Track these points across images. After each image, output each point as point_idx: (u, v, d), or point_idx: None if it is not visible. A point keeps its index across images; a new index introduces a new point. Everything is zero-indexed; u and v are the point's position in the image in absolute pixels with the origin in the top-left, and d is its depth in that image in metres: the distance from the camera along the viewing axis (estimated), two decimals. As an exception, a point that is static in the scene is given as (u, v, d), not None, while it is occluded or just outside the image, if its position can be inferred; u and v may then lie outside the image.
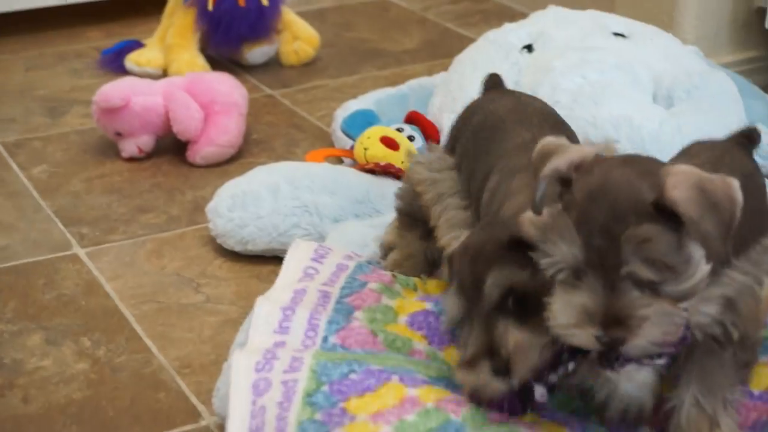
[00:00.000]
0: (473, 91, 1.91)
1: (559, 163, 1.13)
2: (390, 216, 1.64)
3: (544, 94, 1.81)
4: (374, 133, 1.89)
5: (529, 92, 1.85)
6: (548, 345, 1.17)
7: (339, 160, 1.96)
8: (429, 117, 1.97)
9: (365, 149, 1.87)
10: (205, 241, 1.81)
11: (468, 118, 1.51)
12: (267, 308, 1.41)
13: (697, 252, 1.09)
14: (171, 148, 2.12)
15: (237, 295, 1.66)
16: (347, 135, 1.97)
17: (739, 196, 1.08)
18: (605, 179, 1.09)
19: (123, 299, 1.66)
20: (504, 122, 1.45)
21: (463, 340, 1.24)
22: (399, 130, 1.90)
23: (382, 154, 1.85)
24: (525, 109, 1.48)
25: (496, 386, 1.19)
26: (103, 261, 1.76)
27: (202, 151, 2.06)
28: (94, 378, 1.48)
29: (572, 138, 1.43)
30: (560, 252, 1.11)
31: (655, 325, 1.08)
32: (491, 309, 1.20)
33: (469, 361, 1.21)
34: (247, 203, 1.74)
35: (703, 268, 1.09)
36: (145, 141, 2.09)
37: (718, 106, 1.80)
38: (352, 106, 2.10)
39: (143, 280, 1.71)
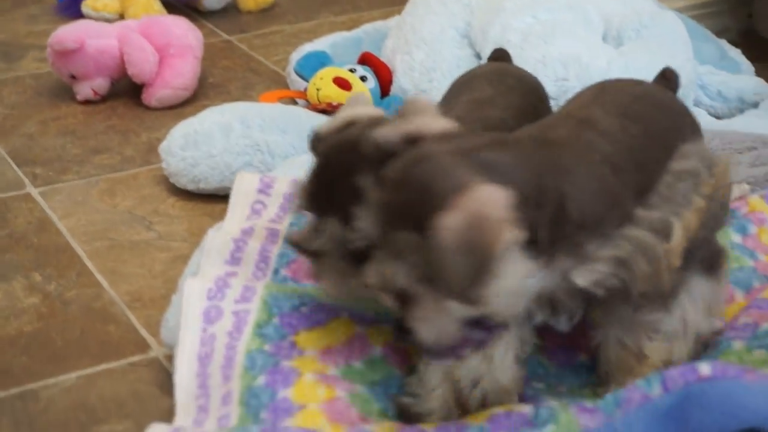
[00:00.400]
0: (426, 32, 1.93)
1: (391, 132, 1.09)
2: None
3: (495, 34, 1.83)
4: (327, 73, 1.90)
5: (480, 33, 1.87)
6: None
7: (293, 101, 1.97)
8: (382, 58, 1.98)
9: (318, 90, 1.88)
10: (159, 180, 1.82)
11: (455, 79, 1.52)
12: (219, 240, 1.42)
13: (513, 266, 1.04)
14: (126, 91, 2.12)
15: (189, 232, 1.68)
16: (300, 76, 1.98)
17: (503, 244, 1.00)
18: (407, 173, 1.04)
19: (75, 236, 1.67)
20: (475, 79, 1.45)
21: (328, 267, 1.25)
22: (352, 70, 1.92)
23: (335, 94, 1.87)
24: (504, 71, 1.46)
25: None
26: (56, 200, 1.77)
27: (157, 94, 2.06)
28: (44, 311, 1.49)
29: (541, 109, 1.40)
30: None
31: (426, 327, 1.06)
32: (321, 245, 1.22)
33: None
34: (200, 142, 1.75)
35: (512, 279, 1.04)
36: (100, 84, 2.09)
37: (667, 46, 1.82)
38: (307, 49, 2.11)
39: (95, 218, 1.72)
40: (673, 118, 1.25)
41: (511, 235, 1.00)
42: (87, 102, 2.09)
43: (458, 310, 1.05)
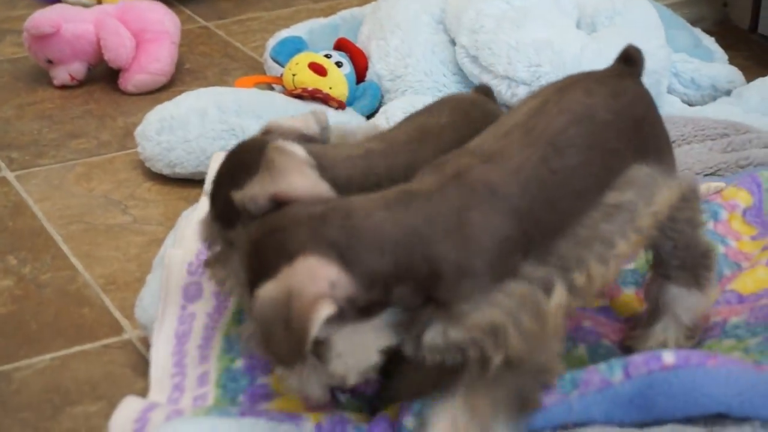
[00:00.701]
0: (401, 18, 1.94)
1: (259, 193, 1.04)
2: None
3: (469, 20, 1.83)
4: (302, 59, 1.90)
5: (454, 18, 1.88)
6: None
7: (269, 87, 1.98)
8: (358, 45, 1.99)
9: (293, 75, 1.89)
10: (135, 165, 1.83)
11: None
12: (195, 220, 1.43)
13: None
14: (104, 76, 2.13)
15: (164, 216, 1.68)
16: (276, 62, 1.98)
17: (316, 321, 0.96)
18: (259, 239, 1.01)
19: (50, 220, 1.67)
20: (443, 104, 1.33)
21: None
22: (327, 56, 1.92)
23: (310, 80, 1.87)
24: (460, 99, 1.36)
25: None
26: (32, 184, 1.77)
27: (133, 79, 2.07)
28: (18, 294, 1.50)
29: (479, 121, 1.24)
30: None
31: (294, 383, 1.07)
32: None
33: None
34: (175, 127, 1.76)
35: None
36: (77, 68, 2.09)
37: (639, 32, 1.83)
38: (284, 35, 2.11)
39: (71, 202, 1.72)
40: (618, 139, 1.14)
41: (325, 311, 0.96)
42: (64, 87, 2.09)
43: (315, 374, 1.04)
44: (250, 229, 1.04)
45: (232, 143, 1.73)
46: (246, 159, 1.16)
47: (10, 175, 1.80)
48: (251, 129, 1.75)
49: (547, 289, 1.05)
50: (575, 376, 1.11)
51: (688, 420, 1.11)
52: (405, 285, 1.00)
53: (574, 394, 1.10)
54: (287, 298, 0.96)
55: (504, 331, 1.01)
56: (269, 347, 0.98)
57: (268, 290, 0.97)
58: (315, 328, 0.96)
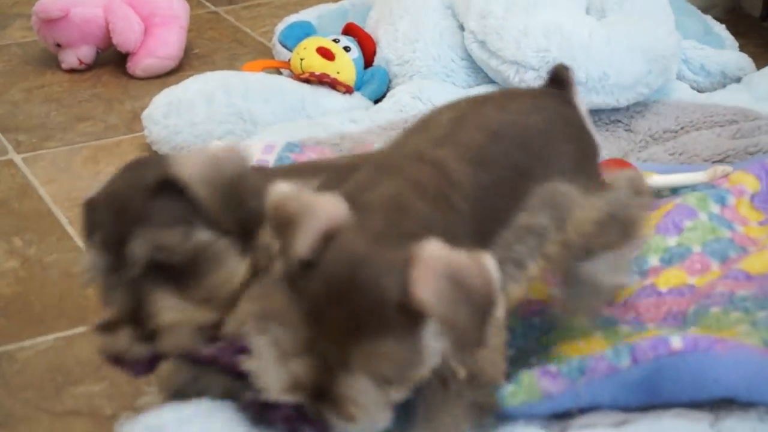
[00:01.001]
0: (409, 2, 1.94)
1: (304, 244, 0.92)
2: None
3: (478, 5, 1.83)
4: (310, 43, 1.90)
5: (462, 3, 1.87)
6: (206, 324, 1.05)
7: (277, 72, 1.97)
8: (367, 29, 1.98)
9: (301, 59, 1.88)
10: (142, 149, 1.82)
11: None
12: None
13: (435, 343, 0.94)
14: (112, 60, 2.13)
15: (170, 200, 1.68)
16: (284, 46, 1.98)
17: (494, 274, 0.92)
18: (348, 274, 0.91)
19: (57, 202, 1.67)
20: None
21: (106, 296, 1.07)
22: (335, 41, 1.91)
23: (318, 64, 1.87)
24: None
25: (139, 351, 1.04)
26: (39, 166, 1.77)
27: (141, 63, 2.06)
28: (23, 275, 1.49)
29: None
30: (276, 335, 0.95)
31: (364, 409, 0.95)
32: (138, 272, 1.03)
33: (108, 324, 1.05)
34: (182, 110, 1.75)
35: (434, 357, 0.95)
36: (85, 52, 2.09)
37: (648, 18, 1.82)
38: (293, 20, 2.10)
39: (78, 185, 1.72)
40: (528, 157, 1.12)
41: (496, 273, 0.92)
42: (72, 70, 2.09)
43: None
44: (314, 274, 0.92)
45: (238, 127, 1.75)
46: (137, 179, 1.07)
47: (17, 158, 1.80)
48: (258, 113, 1.75)
49: None
50: (582, 363, 1.11)
51: (694, 405, 1.10)
52: None
53: (581, 381, 1.10)
54: (453, 282, 0.90)
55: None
56: (463, 332, 0.91)
57: (428, 286, 0.90)
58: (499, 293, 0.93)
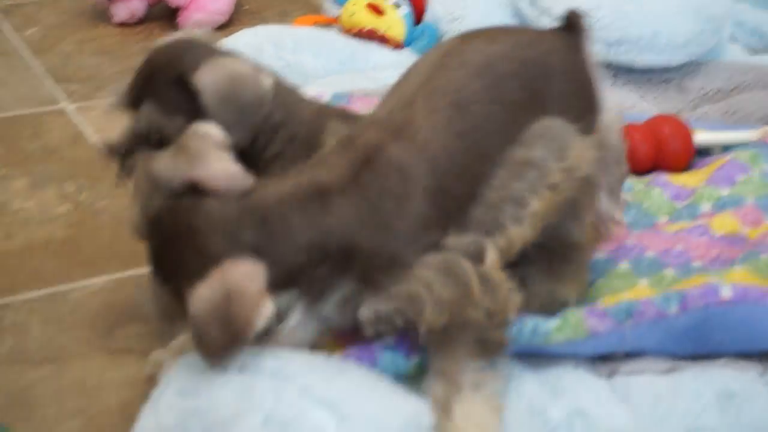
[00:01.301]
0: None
1: (173, 172, 1.05)
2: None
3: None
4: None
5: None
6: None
7: (327, 27, 1.97)
8: (418, -14, 1.98)
9: (351, 15, 1.88)
10: (191, 101, 1.83)
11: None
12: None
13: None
14: (163, 14, 2.14)
15: (220, 150, 1.69)
16: (335, 1, 1.98)
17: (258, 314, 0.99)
18: (177, 228, 1.03)
19: (108, 150, 1.69)
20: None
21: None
22: (386, -4, 1.92)
23: (368, 20, 1.87)
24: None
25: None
26: (90, 116, 1.79)
27: (192, 18, 2.07)
28: (75, 219, 1.51)
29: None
30: None
31: None
32: (135, 136, 1.23)
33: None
34: (232, 62, 1.76)
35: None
36: (137, 6, 2.10)
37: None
38: (344, -24, 2.10)
39: (128, 134, 1.73)
40: (522, 89, 1.11)
41: (269, 308, 0.99)
42: (123, 24, 2.11)
43: None
44: (161, 207, 1.04)
45: (288, 80, 1.75)
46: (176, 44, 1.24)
47: (70, 107, 1.82)
48: (307, 66, 1.76)
49: (479, 252, 1.05)
50: (630, 306, 1.11)
51: (742, 354, 1.10)
52: (319, 270, 1.03)
53: (628, 323, 1.10)
54: (226, 299, 0.98)
55: (420, 298, 1.03)
56: (205, 345, 0.99)
57: (204, 293, 0.98)
58: (260, 325, 0.99)
